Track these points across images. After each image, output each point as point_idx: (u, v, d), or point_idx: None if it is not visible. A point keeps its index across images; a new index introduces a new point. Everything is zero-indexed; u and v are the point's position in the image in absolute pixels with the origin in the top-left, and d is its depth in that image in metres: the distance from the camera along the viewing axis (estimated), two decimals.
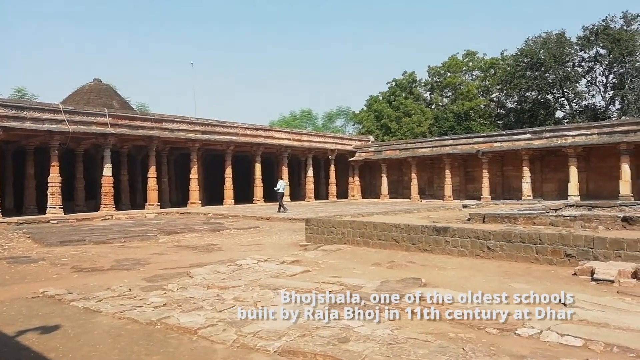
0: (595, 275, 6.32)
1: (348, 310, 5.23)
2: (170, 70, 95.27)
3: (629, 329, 4.40)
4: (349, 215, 12.57)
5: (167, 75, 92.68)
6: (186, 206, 26.15)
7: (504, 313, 5.07)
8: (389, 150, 32.83)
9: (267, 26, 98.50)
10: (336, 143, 34.23)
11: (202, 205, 26.47)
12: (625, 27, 35.26)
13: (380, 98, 49.27)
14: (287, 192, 30.23)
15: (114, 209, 22.73)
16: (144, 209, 24.56)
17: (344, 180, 34.73)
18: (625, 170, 22.03)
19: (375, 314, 5.11)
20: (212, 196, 29.57)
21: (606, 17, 36.34)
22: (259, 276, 7.15)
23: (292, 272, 7.46)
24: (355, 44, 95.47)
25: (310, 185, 32.02)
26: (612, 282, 6.10)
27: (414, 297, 5.75)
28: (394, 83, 48.57)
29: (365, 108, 51.02)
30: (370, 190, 34.96)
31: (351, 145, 35.20)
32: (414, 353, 3.95)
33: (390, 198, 31.73)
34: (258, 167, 29.33)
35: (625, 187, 21.97)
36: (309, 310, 5.28)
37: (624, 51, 34.24)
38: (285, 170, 30.60)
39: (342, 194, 34.40)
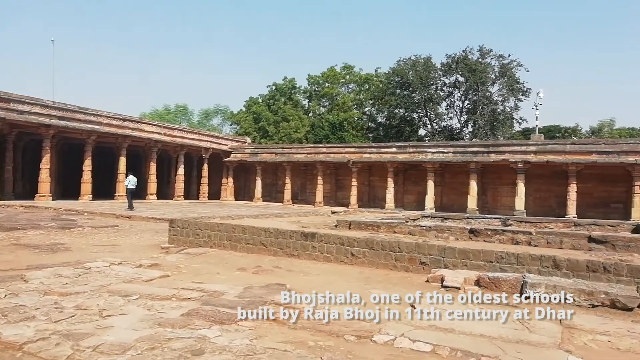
0: (444, 283, 6.79)
1: (206, 319, 4.92)
2: (29, 50, 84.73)
3: (472, 334, 4.74)
4: (218, 217, 12.14)
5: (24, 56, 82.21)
6: (34, 199, 23.20)
7: (362, 319, 5.18)
8: (265, 153, 32.75)
9: (147, 11, 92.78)
10: (211, 142, 33.23)
11: (54, 199, 23.72)
12: (480, 60, 39.71)
13: (260, 101, 49.16)
14: (153, 190, 28.51)
15: None
16: None
17: (217, 180, 33.81)
18: (473, 186, 24.66)
19: (234, 323, 4.87)
20: (68, 190, 26.68)
21: (466, 48, 40.75)
22: (110, 281, 6.46)
23: (149, 276, 6.89)
24: (238, 44, 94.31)
25: (180, 184, 30.57)
26: (459, 288, 6.60)
27: (277, 304, 5.62)
28: (274, 87, 48.82)
29: (244, 109, 50.49)
30: (244, 193, 34.51)
31: (227, 145, 34.44)
32: None
33: (263, 201, 31.64)
34: (123, 161, 27.15)
35: (472, 201, 24.58)
36: (162, 319, 4.86)
37: (478, 80, 38.52)
38: (153, 167, 28.84)
39: (215, 194, 33.45)
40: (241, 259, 8.93)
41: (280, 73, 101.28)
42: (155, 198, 28.47)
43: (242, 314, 5.08)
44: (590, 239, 8.51)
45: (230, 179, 33.47)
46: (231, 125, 53.76)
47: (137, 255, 8.96)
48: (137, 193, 25.85)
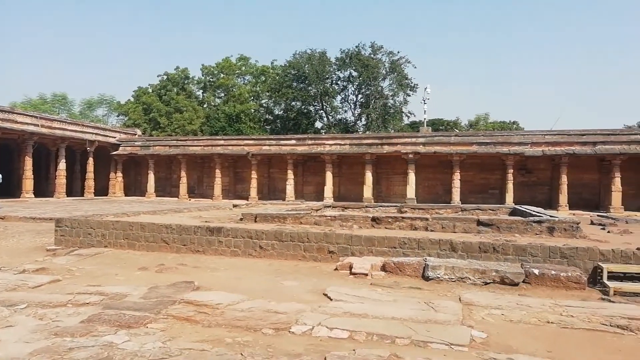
0: (353, 270, 7.00)
1: (110, 324, 4.55)
2: None
3: (384, 317, 4.92)
4: (112, 215, 11.29)
5: None
6: None
7: (278, 312, 5.14)
8: (158, 146, 31.08)
9: None
10: (97, 134, 30.70)
11: None
12: (372, 56, 41.35)
13: (150, 91, 46.48)
14: (29, 187, 25.76)
15: None
16: None
17: (104, 175, 31.40)
18: (369, 177, 25.72)
19: (143, 325, 4.56)
20: None
21: (359, 44, 42.10)
22: None
23: (37, 282, 6.20)
24: (125, 30, 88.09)
25: (61, 180, 27.89)
26: (367, 275, 6.85)
27: (187, 303, 5.38)
28: (165, 77, 46.44)
29: (132, 99, 47.39)
30: (135, 188, 32.49)
31: (115, 137, 32.09)
32: None
33: (157, 196, 30.06)
34: None
35: (368, 191, 25.63)
36: (59, 328, 4.40)
37: (370, 75, 40.10)
38: (29, 162, 25.96)
39: (102, 190, 31.05)
40: (141, 257, 8.40)
41: (172, 63, 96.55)
42: (32, 196, 25.69)
43: (150, 316, 4.78)
44: (479, 223, 9.31)
45: (120, 174, 31.29)
46: (118, 116, 50.13)
47: (18, 260, 8.02)
48: (11, 191, 23.14)
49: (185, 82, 46.75)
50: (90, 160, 29.88)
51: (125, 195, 31.12)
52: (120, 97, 66.85)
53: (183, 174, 29.44)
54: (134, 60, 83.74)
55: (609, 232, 9.95)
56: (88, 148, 29.63)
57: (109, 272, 7.18)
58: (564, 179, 21.46)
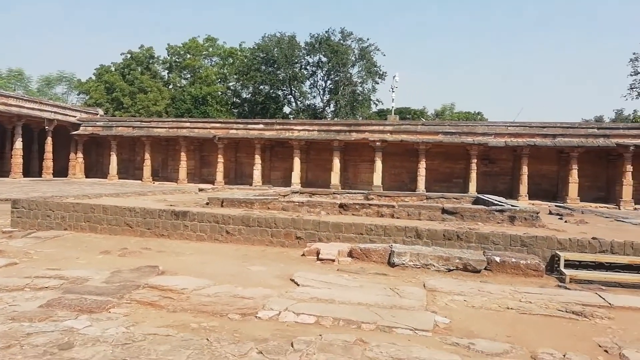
0: (320, 256, 7.03)
1: (71, 309, 4.42)
2: None
3: (350, 303, 4.98)
4: (72, 197, 10.93)
5: None
6: None
7: (244, 297, 5.11)
8: (121, 126, 30.17)
9: None
10: (56, 112, 29.49)
11: None
12: (342, 42, 41.21)
13: (113, 69, 44.94)
14: None
15: None
16: None
17: (64, 156, 30.29)
18: (336, 163, 25.80)
19: (105, 310, 4.46)
20: None
21: (328, 29, 41.82)
22: None
23: None
24: (86, 4, 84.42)
25: (18, 160, 26.76)
26: (334, 261, 6.89)
27: (152, 287, 5.28)
28: (129, 55, 44.96)
29: (94, 77, 45.75)
30: (96, 170, 31.52)
31: (75, 117, 30.94)
32: (154, 351, 3.55)
33: (119, 179, 29.27)
34: None
35: (335, 177, 25.73)
36: (16, 313, 4.25)
37: (339, 62, 39.98)
38: None
39: (61, 172, 29.99)
40: (103, 241, 8.19)
41: (137, 41, 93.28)
42: None
43: (113, 301, 4.68)
44: (444, 211, 9.50)
45: (80, 155, 30.25)
46: (79, 95, 48.32)
47: None
48: None
49: (150, 61, 45.44)
50: (49, 140, 28.78)
51: (86, 177, 30.17)
52: (81, 75, 64.44)
53: (147, 156, 28.75)
54: (95, 37, 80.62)
55: (566, 221, 10.34)
56: (47, 127, 28.49)
57: (70, 256, 6.97)
58: (525, 169, 22.12)
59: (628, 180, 20.20)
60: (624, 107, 51.27)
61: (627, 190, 20.13)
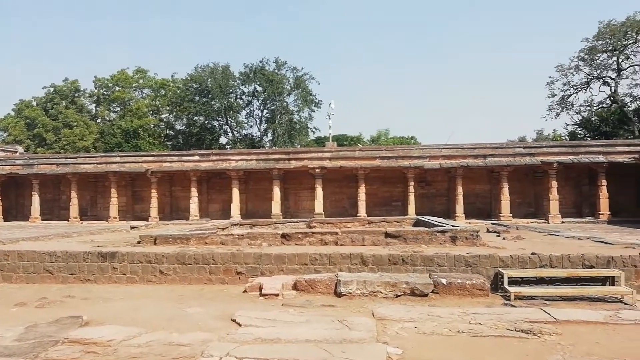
0: (263, 291, 6.64)
1: None
2: None
3: (297, 341, 4.63)
4: None
5: None
6: None
7: (181, 344, 4.64)
8: (43, 164, 28.21)
9: None
10: None
11: None
12: (276, 71, 41.44)
13: (35, 104, 42.45)
14: None
15: None
16: None
17: None
18: (277, 192, 25.41)
19: None
20: None
21: (262, 59, 41.95)
22: None
23: None
24: (5, 35, 79.75)
25: None
26: (278, 295, 6.52)
27: (73, 342, 4.67)
28: (52, 89, 42.71)
29: (13, 113, 42.95)
30: (16, 212, 29.15)
31: None
32: None
33: (43, 220, 27.18)
34: None
35: (276, 207, 25.29)
36: None
37: (275, 91, 40.07)
38: None
39: None
40: (19, 291, 7.33)
41: (60, 74, 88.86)
42: None
43: None
44: (387, 235, 9.41)
45: None
46: None
47: None
48: None
49: (76, 95, 43.39)
50: None
51: (4, 221, 27.80)
52: None
53: (74, 194, 26.97)
54: (14, 70, 76.14)
55: (504, 238, 10.58)
56: None
57: None
58: (460, 190, 22.83)
59: (554, 195, 21.34)
60: (544, 127, 54.89)
61: (554, 205, 21.24)
